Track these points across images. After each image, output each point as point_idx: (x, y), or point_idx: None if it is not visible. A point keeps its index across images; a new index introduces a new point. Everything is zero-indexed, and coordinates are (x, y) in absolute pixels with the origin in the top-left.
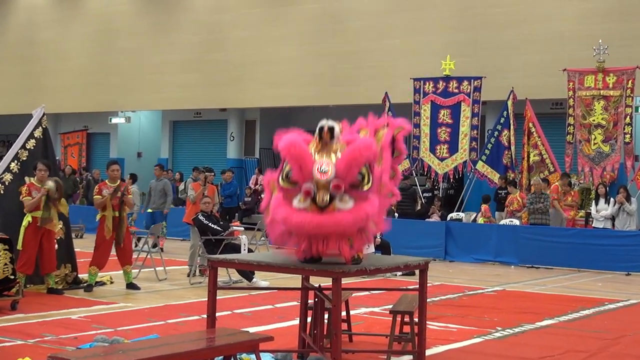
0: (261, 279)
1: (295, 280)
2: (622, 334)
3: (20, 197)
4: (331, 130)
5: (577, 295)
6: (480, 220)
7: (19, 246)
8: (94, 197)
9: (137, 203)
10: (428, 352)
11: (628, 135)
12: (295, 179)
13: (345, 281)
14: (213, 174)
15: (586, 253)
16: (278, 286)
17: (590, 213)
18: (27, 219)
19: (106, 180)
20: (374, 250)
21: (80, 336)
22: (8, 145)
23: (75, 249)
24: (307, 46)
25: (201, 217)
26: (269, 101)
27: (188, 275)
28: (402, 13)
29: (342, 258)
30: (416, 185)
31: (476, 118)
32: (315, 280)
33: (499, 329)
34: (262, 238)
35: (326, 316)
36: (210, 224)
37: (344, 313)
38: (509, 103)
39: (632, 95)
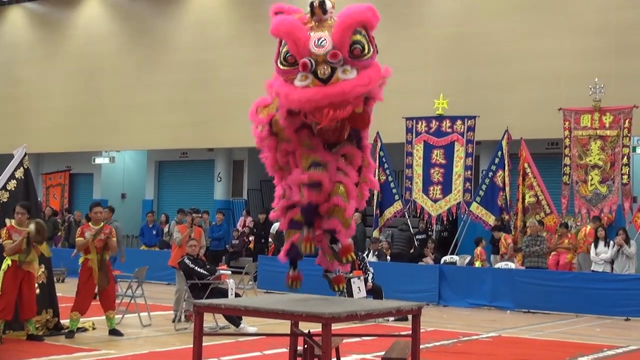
0: (249, 324)
1: (284, 326)
2: None
3: (0, 241)
4: (322, 4)
5: (575, 341)
6: (477, 263)
7: None
8: (76, 239)
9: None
10: None
11: (625, 176)
12: (292, 53)
13: (335, 327)
14: (200, 215)
15: (584, 297)
16: (266, 332)
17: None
18: (7, 262)
19: (89, 223)
20: (365, 295)
21: None
22: None
23: (57, 294)
24: None
25: (187, 261)
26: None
27: (173, 321)
28: (393, 51)
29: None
30: (417, 227)
31: (470, 158)
32: (305, 326)
33: None
34: (250, 282)
35: None
36: (196, 268)
37: None
38: (504, 143)
39: (629, 135)
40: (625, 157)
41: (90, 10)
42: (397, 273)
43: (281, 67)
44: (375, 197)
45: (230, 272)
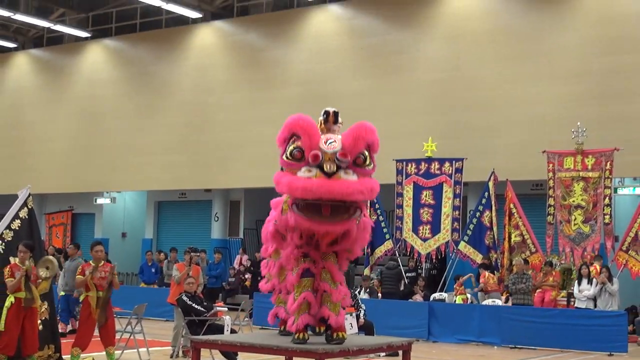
0: None
1: None
2: None
3: (4, 278)
4: (336, 114)
5: None
6: (458, 298)
7: (1, 327)
8: (77, 277)
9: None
10: None
11: (607, 216)
12: (304, 148)
13: None
14: (198, 254)
15: (569, 333)
16: None
17: (572, 293)
18: (10, 299)
19: (90, 261)
20: (357, 331)
21: None
22: None
23: (59, 330)
24: None
25: (185, 298)
26: (253, 182)
27: (171, 357)
28: (384, 96)
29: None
30: (400, 266)
31: (458, 199)
32: None
33: None
34: (246, 319)
35: None
36: (193, 305)
37: None
38: (490, 184)
39: (610, 176)
40: (607, 197)
41: (92, 56)
42: (388, 310)
43: (288, 160)
44: None
45: (226, 309)
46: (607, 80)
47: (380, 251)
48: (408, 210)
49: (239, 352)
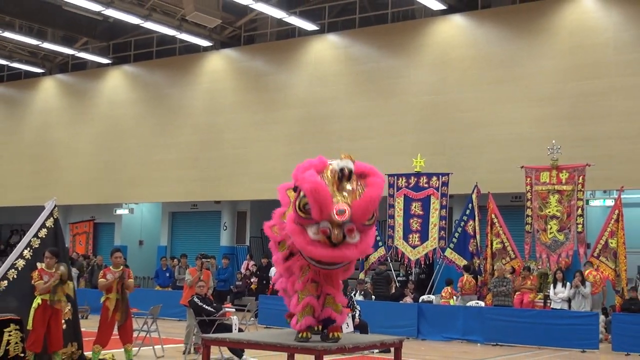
0: (250, 356)
1: (282, 358)
2: None
3: (32, 281)
4: (350, 172)
5: None
6: (451, 301)
7: (29, 326)
8: (99, 280)
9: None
10: None
11: (580, 225)
12: (314, 217)
13: (326, 358)
14: (208, 260)
15: (545, 332)
16: None
17: (548, 295)
18: (37, 300)
19: (110, 266)
20: (353, 330)
21: None
22: (22, 234)
23: (82, 329)
24: (293, 146)
25: (196, 300)
26: (258, 194)
27: (184, 353)
28: (377, 117)
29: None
30: (391, 270)
31: (444, 210)
32: (300, 358)
33: None
34: (252, 318)
35: None
36: (204, 306)
37: None
38: (474, 197)
39: (583, 189)
40: (580, 209)
41: (113, 80)
42: (380, 310)
43: (300, 214)
44: None
45: (234, 310)
46: (579, 103)
47: (374, 257)
48: (399, 220)
49: (245, 349)
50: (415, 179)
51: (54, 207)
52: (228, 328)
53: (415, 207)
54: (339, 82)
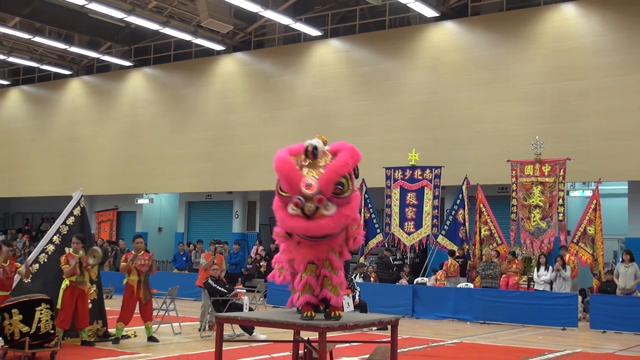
0: (260, 333)
1: (288, 334)
2: None
3: (60, 265)
4: (314, 149)
5: (522, 346)
6: (445, 282)
7: (58, 305)
8: (121, 264)
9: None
10: None
11: (561, 214)
12: (285, 191)
13: (329, 335)
14: (221, 245)
15: (529, 311)
16: (274, 339)
17: (532, 278)
18: (65, 282)
19: (132, 251)
20: (353, 309)
21: None
22: (51, 222)
23: (106, 308)
24: (299, 141)
25: (210, 281)
26: (267, 185)
27: (199, 330)
28: (376, 115)
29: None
30: (394, 256)
31: (437, 200)
32: (305, 334)
33: None
34: (261, 299)
35: None
36: (218, 287)
37: None
38: (464, 188)
39: (563, 181)
40: (561, 199)
41: (134, 81)
42: (378, 292)
43: (280, 193)
44: None
45: (245, 291)
46: (560, 102)
47: (372, 243)
48: (395, 209)
49: (255, 327)
50: (410, 172)
51: (81, 197)
52: (239, 307)
53: (410, 198)
54: (340, 83)
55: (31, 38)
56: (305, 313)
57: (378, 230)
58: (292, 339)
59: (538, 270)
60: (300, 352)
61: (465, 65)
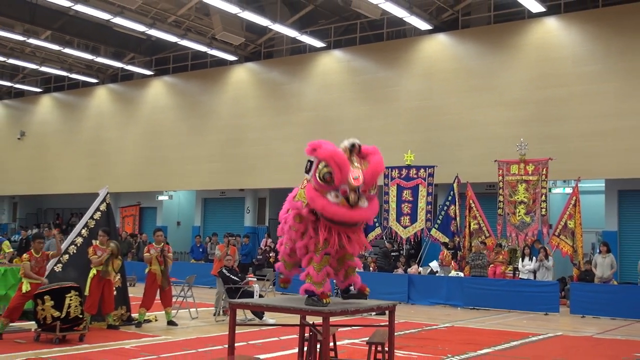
0: (269, 317)
1: (295, 319)
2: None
3: (88, 256)
4: (359, 146)
5: (508, 330)
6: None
7: (86, 292)
8: (144, 255)
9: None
10: None
11: (544, 209)
12: (335, 180)
13: (332, 319)
14: (234, 237)
15: (514, 298)
16: (282, 323)
17: (517, 267)
18: (93, 272)
19: (153, 243)
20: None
21: None
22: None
23: (129, 295)
24: (304, 143)
25: (224, 271)
26: (276, 183)
27: (214, 315)
28: (374, 119)
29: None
30: (394, 247)
31: (430, 196)
32: (310, 319)
33: (449, 356)
34: (270, 286)
35: (318, 346)
36: (231, 276)
37: (332, 344)
38: (455, 185)
39: (546, 179)
40: (543, 195)
41: (154, 89)
42: (377, 280)
43: (320, 182)
44: None
45: (255, 279)
46: (543, 107)
47: (372, 235)
48: (392, 204)
49: (265, 312)
50: (406, 171)
51: (107, 194)
52: (251, 294)
53: (406, 194)
54: (342, 90)
55: (61, 49)
56: (325, 300)
57: (377, 224)
58: (299, 323)
59: (523, 261)
60: (306, 335)
61: (456, 74)
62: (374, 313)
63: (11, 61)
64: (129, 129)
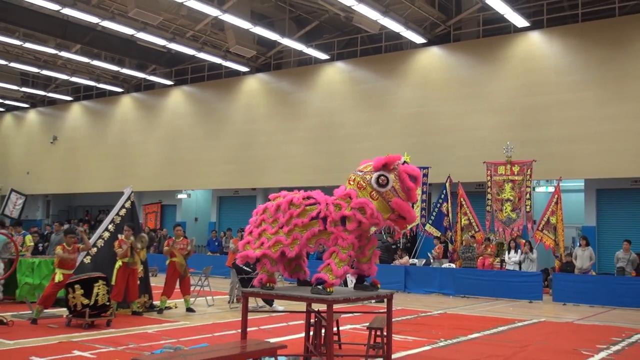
0: (279, 304)
1: (302, 306)
2: (528, 344)
3: (114, 249)
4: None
5: (495, 316)
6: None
7: (113, 282)
8: (164, 248)
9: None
10: (394, 356)
11: (528, 207)
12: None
13: (335, 307)
14: None
15: (501, 287)
16: (290, 310)
17: (504, 260)
18: (119, 263)
19: (173, 237)
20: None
21: (154, 345)
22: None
23: (151, 284)
24: (310, 146)
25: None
26: (284, 183)
27: (228, 302)
28: (373, 125)
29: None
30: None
31: (425, 195)
32: (316, 306)
33: (443, 340)
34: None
35: (323, 331)
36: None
37: (335, 329)
38: (447, 185)
39: (530, 179)
40: (528, 194)
41: (174, 97)
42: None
43: (376, 185)
44: None
45: None
46: (528, 114)
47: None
48: None
49: (274, 299)
50: None
51: (131, 193)
52: None
53: None
54: (344, 98)
55: (90, 62)
56: (329, 289)
57: None
58: (305, 310)
59: (509, 253)
60: (311, 320)
61: (449, 83)
62: (373, 301)
63: (45, 72)
64: (151, 134)
